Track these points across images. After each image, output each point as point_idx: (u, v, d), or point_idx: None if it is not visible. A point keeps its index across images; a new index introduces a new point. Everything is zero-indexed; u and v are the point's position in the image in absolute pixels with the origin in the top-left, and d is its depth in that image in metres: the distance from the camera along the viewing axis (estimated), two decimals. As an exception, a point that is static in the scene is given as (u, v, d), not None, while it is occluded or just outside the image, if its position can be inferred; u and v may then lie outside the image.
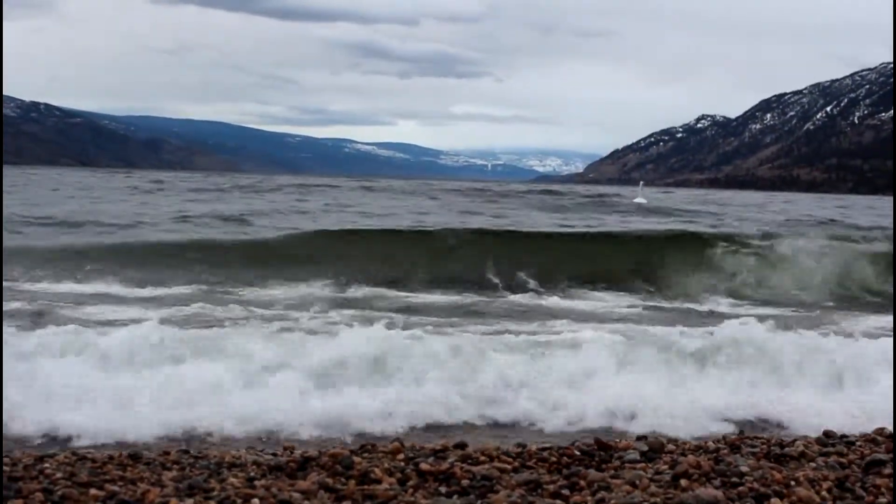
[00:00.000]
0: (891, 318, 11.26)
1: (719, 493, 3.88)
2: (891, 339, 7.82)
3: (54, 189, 44.62)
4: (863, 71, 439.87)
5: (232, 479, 4.09)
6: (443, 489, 4.10)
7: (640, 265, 15.50)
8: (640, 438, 5.16)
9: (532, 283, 13.93)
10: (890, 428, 5.59)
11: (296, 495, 3.84)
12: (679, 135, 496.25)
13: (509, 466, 4.47)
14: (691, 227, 25.07)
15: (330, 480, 4.12)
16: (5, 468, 4.12)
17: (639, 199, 48.51)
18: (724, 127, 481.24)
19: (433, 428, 6.19)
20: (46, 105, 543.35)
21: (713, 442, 5.30)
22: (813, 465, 4.59)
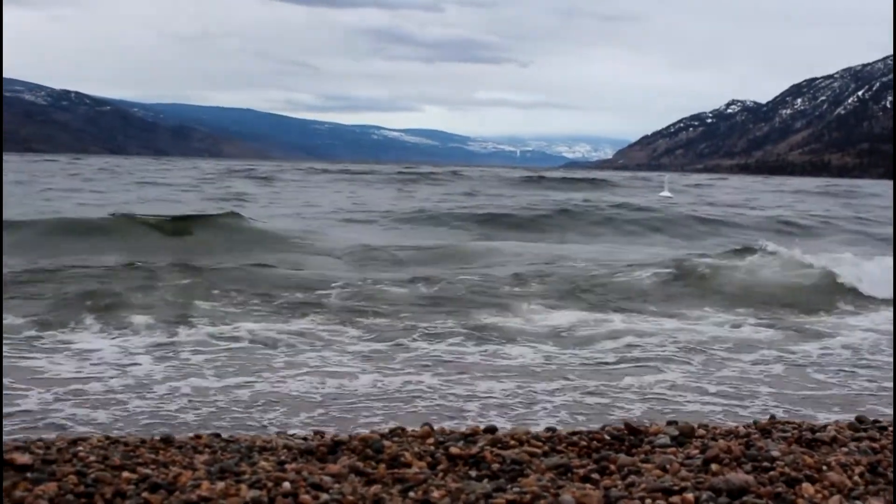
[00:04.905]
0: None
1: (750, 478, 3.85)
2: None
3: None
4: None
5: (263, 463, 4.11)
6: (473, 473, 4.10)
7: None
8: (670, 423, 5.14)
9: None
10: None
11: (326, 479, 3.85)
12: (709, 120, 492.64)
13: (539, 451, 4.45)
14: None
15: (360, 464, 4.13)
16: (38, 452, 4.17)
17: (664, 193, 47.10)
18: (755, 112, 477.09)
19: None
20: (77, 93, 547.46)
21: (744, 427, 5.27)
22: (845, 449, 4.56)
